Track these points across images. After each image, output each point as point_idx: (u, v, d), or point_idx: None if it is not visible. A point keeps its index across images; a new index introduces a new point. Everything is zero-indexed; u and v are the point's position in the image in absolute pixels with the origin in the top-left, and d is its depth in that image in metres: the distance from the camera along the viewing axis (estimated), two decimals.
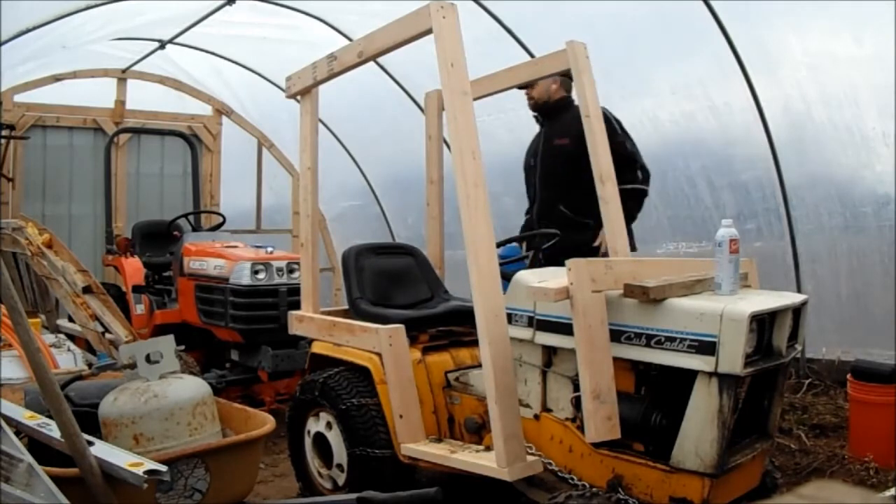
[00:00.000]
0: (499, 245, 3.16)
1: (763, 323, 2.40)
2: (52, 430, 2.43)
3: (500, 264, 2.74)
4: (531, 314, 2.78)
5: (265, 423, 2.87)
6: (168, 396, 2.78)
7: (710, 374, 2.31)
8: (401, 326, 3.17)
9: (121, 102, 7.68)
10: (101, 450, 2.35)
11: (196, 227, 6.17)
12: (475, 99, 2.83)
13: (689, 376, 2.37)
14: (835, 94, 4.51)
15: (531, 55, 5.18)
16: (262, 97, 7.76)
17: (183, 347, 3.92)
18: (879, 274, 4.68)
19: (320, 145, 3.71)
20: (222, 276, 4.82)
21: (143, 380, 2.88)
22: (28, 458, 2.16)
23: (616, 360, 2.49)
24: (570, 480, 2.64)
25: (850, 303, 4.90)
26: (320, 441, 3.40)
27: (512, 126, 6.14)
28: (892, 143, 4.32)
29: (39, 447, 2.46)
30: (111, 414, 2.75)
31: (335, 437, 3.30)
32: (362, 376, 3.23)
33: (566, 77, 3.92)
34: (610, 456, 2.58)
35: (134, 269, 5.75)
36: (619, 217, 3.33)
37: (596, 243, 3.83)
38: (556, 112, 4.12)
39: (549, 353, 2.80)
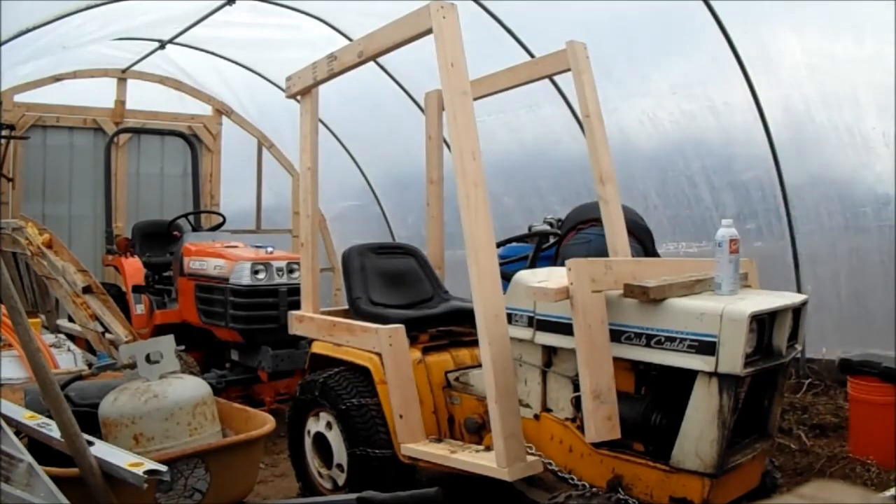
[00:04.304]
0: (499, 245, 3.16)
1: (763, 323, 2.40)
2: (52, 430, 2.43)
3: (500, 264, 2.74)
4: (531, 314, 2.78)
5: (265, 423, 2.87)
6: (168, 396, 2.78)
7: (710, 374, 2.31)
8: (401, 326, 3.17)
9: (121, 102, 7.67)
10: (101, 450, 2.35)
11: (196, 227, 6.18)
12: (475, 99, 2.83)
13: (689, 376, 2.37)
14: (835, 94, 4.51)
15: (531, 55, 5.17)
16: (262, 97, 7.76)
17: (183, 347, 3.92)
18: (879, 274, 4.68)
19: (320, 145, 3.71)
20: (222, 276, 4.82)
21: (143, 380, 2.89)
22: (28, 458, 2.16)
23: (616, 360, 2.49)
24: (570, 480, 2.64)
25: (850, 303, 4.90)
26: (320, 441, 3.40)
27: (512, 126, 6.15)
28: (892, 143, 4.32)
29: (39, 447, 2.46)
30: (111, 414, 2.76)
31: (335, 437, 3.30)
32: (362, 376, 3.23)
33: None
34: (610, 456, 2.58)
35: (134, 269, 5.75)
36: (619, 217, 3.33)
37: None
38: None
39: (549, 353, 2.80)
